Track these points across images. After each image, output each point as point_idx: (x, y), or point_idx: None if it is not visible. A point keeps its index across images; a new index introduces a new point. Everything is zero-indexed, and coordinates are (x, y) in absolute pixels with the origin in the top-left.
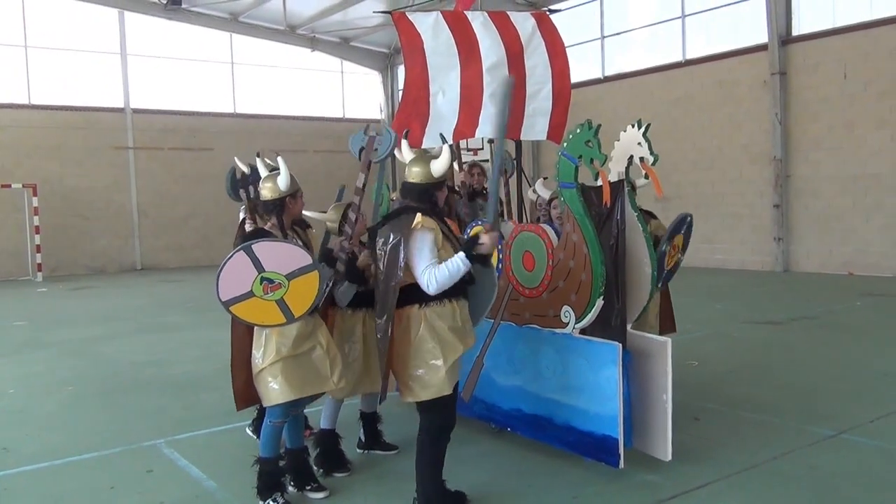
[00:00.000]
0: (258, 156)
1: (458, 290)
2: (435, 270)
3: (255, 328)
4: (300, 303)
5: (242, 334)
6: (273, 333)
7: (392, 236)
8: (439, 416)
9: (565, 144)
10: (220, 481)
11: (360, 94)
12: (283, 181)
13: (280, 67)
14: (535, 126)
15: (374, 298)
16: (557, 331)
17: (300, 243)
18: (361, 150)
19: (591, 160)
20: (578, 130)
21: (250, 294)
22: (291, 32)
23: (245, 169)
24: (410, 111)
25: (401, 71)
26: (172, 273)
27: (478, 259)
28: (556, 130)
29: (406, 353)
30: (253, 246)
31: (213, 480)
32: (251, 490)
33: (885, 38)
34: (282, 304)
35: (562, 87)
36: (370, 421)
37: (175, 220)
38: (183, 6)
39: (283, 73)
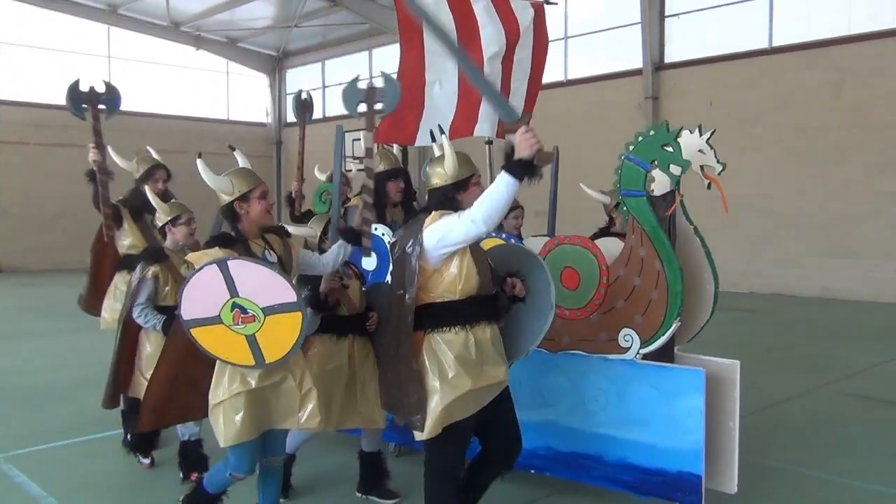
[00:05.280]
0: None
1: (480, 313)
2: (480, 203)
3: None
4: (274, 346)
5: (180, 348)
6: None
7: (402, 244)
8: (438, 458)
9: (631, 148)
10: (61, 498)
11: (246, 97)
12: (215, 186)
13: (162, 65)
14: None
15: (362, 323)
16: (612, 356)
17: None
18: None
19: (669, 165)
20: (652, 132)
21: (217, 320)
22: (175, 29)
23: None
24: (405, 101)
25: (289, 75)
26: (36, 276)
27: (523, 167)
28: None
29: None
30: (229, 262)
31: (52, 497)
32: None
33: (744, 70)
34: (252, 341)
35: (534, 85)
36: (371, 463)
37: (42, 220)
38: None
39: (164, 70)
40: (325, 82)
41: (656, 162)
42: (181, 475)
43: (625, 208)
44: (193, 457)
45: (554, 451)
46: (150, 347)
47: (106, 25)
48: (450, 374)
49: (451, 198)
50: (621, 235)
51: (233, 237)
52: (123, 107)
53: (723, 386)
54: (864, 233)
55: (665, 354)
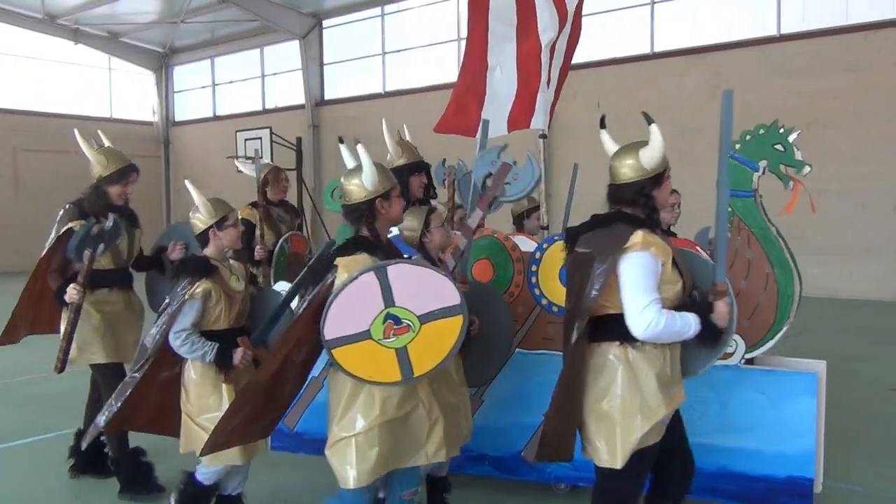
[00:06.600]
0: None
1: None
2: (663, 316)
3: (335, 376)
4: (426, 356)
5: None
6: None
7: (598, 251)
8: (619, 486)
9: (738, 146)
10: None
11: (131, 94)
12: (367, 177)
13: (37, 59)
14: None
15: None
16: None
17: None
18: (488, 176)
19: (780, 165)
20: (761, 131)
21: (366, 335)
22: (51, 22)
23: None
24: (469, 86)
25: (177, 72)
26: None
27: (710, 330)
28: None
29: (587, 397)
30: (388, 268)
31: None
32: None
33: (630, 73)
34: (402, 354)
35: (563, 74)
36: (438, 488)
37: None
38: None
39: (40, 65)
40: (216, 80)
41: (766, 162)
42: None
43: (729, 209)
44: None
45: None
46: (197, 388)
47: None
48: (650, 398)
49: (647, 195)
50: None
51: (372, 242)
52: None
53: None
54: None
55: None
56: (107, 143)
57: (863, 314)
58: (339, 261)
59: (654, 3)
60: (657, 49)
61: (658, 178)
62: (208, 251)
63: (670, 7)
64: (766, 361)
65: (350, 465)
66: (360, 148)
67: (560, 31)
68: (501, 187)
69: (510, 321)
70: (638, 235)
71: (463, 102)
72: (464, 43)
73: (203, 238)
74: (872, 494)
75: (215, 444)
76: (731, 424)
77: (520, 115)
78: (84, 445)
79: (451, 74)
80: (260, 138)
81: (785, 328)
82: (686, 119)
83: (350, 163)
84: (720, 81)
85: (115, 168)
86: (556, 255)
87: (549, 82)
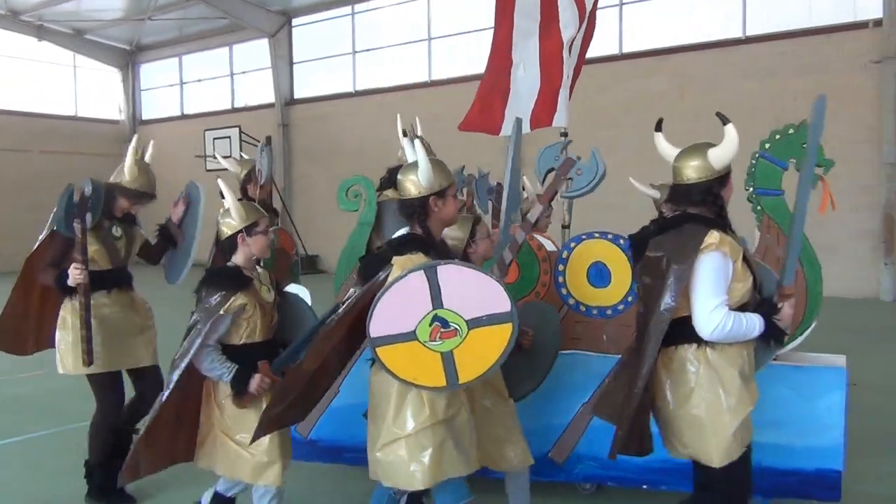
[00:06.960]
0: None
1: None
2: (731, 317)
3: (377, 375)
4: (471, 364)
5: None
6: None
7: (672, 254)
8: (729, 485)
9: (767, 146)
10: None
11: (96, 92)
12: (423, 174)
13: None
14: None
15: None
16: None
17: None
18: (550, 171)
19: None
20: (791, 131)
21: (411, 336)
22: (14, 18)
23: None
24: (493, 84)
25: (144, 70)
26: None
27: (774, 331)
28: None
29: (669, 402)
30: (439, 268)
31: None
32: None
33: (598, 74)
34: (448, 359)
35: (577, 73)
36: None
37: None
38: None
39: (2, 62)
40: (184, 78)
41: (795, 161)
42: None
43: (759, 207)
44: None
45: (671, 462)
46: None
47: None
48: (735, 395)
49: (716, 194)
50: None
51: (425, 240)
52: None
53: None
54: None
55: None
56: (147, 158)
57: (833, 312)
58: (395, 260)
59: (623, 4)
60: (625, 50)
61: (724, 178)
62: (237, 259)
63: (638, 8)
64: (789, 357)
65: (401, 466)
66: (417, 144)
67: (579, 29)
68: (563, 182)
69: (557, 343)
70: (714, 235)
71: (488, 101)
72: (434, 43)
73: (230, 244)
74: (872, 494)
75: (256, 435)
76: (761, 420)
77: (542, 113)
78: (121, 483)
79: (421, 74)
80: (229, 137)
81: (814, 324)
82: (654, 120)
83: (412, 157)
84: (687, 82)
85: (137, 187)
86: (583, 254)
87: (567, 78)
